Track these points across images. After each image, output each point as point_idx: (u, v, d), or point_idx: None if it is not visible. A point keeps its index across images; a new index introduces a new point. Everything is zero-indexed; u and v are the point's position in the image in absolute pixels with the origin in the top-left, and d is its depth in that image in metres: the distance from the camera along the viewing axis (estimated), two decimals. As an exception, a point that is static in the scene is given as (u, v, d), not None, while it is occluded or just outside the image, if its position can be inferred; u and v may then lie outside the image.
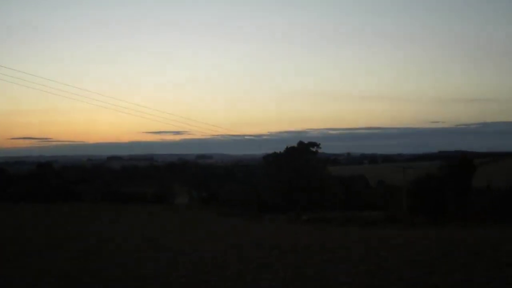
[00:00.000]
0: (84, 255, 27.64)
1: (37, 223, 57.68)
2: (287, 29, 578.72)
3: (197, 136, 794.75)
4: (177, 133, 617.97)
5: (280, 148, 79.01)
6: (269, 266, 18.49)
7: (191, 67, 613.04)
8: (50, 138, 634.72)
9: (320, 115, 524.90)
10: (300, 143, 77.82)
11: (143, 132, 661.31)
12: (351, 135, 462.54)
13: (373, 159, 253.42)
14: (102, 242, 36.03)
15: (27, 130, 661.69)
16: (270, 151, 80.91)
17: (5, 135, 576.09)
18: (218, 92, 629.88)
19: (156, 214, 73.96)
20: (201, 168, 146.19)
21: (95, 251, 30.08)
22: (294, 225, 57.44)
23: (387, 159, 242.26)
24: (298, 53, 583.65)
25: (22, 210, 78.22)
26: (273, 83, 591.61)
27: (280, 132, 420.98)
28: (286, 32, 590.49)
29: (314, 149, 78.30)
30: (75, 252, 30.51)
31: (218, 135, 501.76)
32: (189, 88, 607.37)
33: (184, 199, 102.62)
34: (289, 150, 76.72)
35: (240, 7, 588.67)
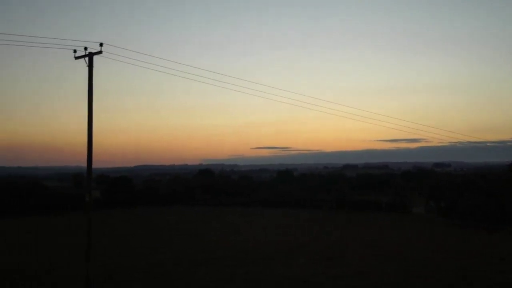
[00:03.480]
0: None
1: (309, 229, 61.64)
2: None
3: (434, 143, 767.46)
4: (413, 140, 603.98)
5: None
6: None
7: (425, 72, 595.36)
8: (290, 147, 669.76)
9: None
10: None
11: (378, 140, 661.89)
12: None
13: None
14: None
15: (269, 140, 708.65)
16: (516, 159, 74.90)
17: (248, 145, 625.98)
18: (456, 97, 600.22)
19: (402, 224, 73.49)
20: (439, 177, 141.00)
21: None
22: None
23: None
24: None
25: (285, 216, 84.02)
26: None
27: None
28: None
29: None
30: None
31: (456, 142, 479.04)
32: (426, 94, 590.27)
33: (421, 208, 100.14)
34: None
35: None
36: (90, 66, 27.50)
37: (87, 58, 27.55)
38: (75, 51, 27.72)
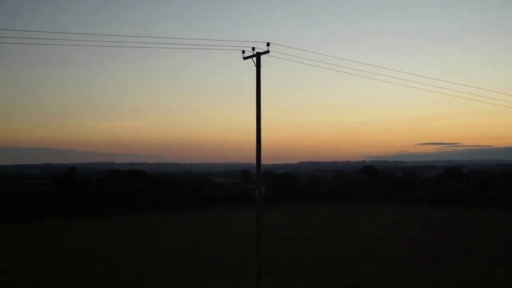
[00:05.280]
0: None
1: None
2: None
3: None
4: None
5: None
6: None
7: None
8: (458, 143, 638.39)
9: None
10: None
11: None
12: None
13: None
14: None
15: (435, 135, 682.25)
16: None
17: (413, 141, 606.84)
18: None
19: None
20: None
21: None
22: None
23: None
24: None
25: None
26: None
27: None
28: None
29: None
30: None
31: None
32: None
33: None
34: None
35: None
36: (258, 65, 28.48)
37: (254, 58, 28.59)
38: (243, 51, 28.90)
